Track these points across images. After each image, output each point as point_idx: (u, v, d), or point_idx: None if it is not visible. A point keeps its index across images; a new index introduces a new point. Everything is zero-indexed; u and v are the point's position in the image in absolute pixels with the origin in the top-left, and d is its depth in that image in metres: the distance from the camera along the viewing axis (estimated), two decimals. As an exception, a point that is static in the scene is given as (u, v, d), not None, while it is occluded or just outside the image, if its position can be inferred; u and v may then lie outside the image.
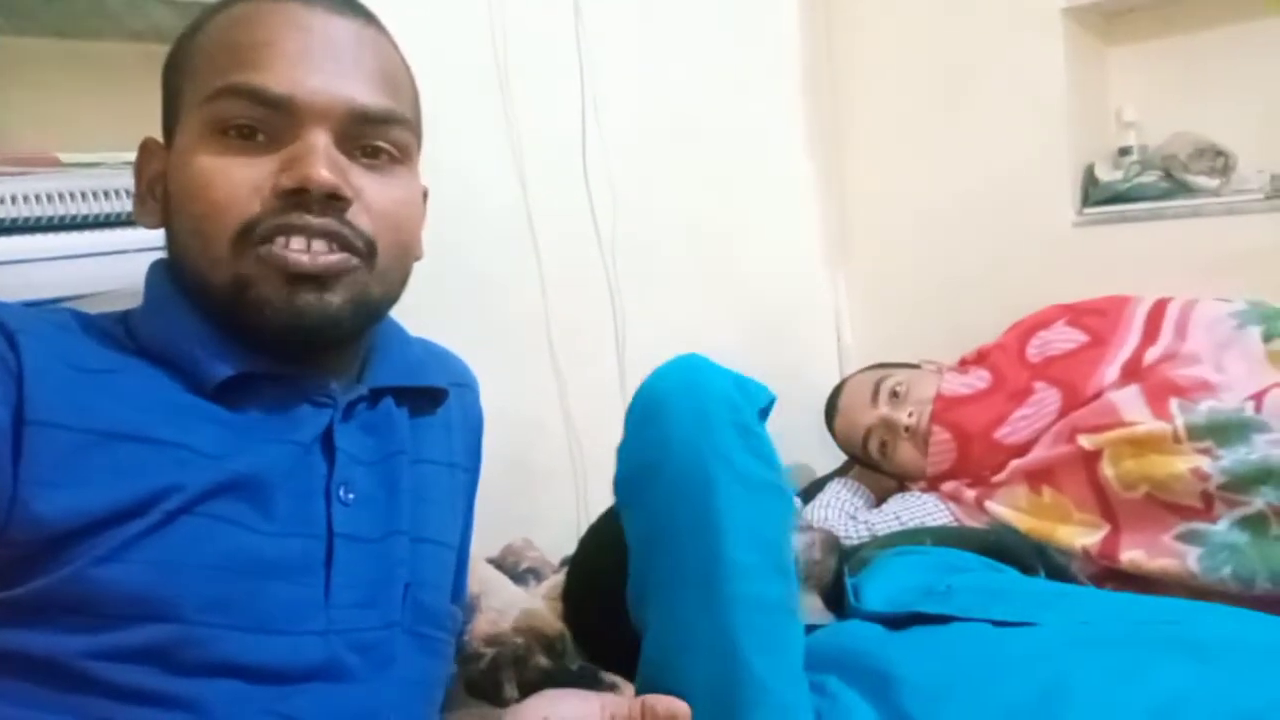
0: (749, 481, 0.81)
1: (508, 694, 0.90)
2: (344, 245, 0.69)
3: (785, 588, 0.81)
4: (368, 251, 0.70)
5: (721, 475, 0.80)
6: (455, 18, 1.35)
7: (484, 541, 1.12)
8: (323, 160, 0.67)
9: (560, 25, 1.48)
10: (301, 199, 0.67)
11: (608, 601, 0.98)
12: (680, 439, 0.83)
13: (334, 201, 0.68)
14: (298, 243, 0.67)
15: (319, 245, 0.68)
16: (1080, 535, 1.33)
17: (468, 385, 0.92)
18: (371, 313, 0.74)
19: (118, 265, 0.93)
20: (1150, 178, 1.71)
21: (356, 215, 0.69)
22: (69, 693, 0.59)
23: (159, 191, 0.73)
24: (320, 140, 0.67)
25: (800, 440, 1.83)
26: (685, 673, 0.79)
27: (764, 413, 0.94)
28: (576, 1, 1.48)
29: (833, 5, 2.02)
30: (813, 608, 0.98)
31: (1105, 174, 1.75)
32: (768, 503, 0.82)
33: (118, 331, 0.71)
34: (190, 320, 0.70)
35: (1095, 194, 1.76)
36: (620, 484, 0.89)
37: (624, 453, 0.88)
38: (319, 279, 0.68)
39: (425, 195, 0.80)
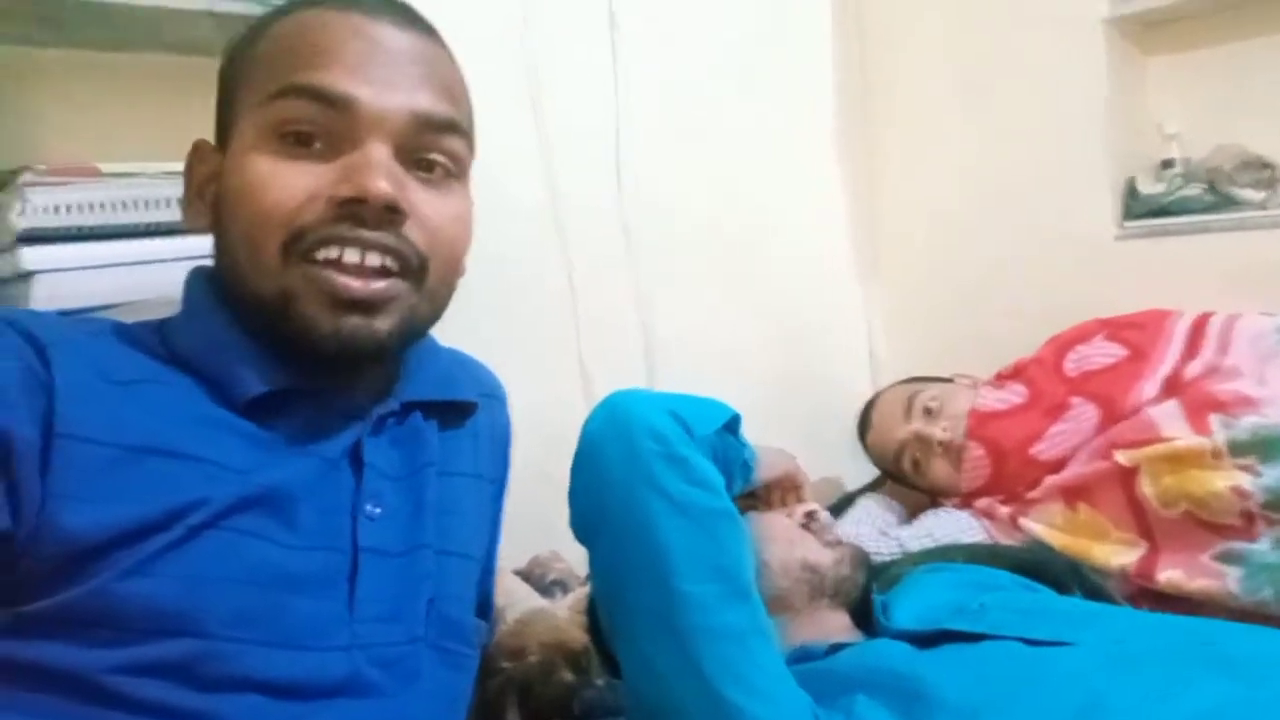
0: (689, 511, 0.81)
1: (511, 718, 0.90)
2: (397, 258, 0.68)
3: (746, 611, 0.80)
4: (419, 268, 0.70)
5: (659, 510, 0.81)
6: (488, 21, 1.36)
7: (511, 553, 1.12)
8: (382, 172, 0.66)
9: (594, 30, 1.48)
10: (357, 210, 0.66)
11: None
12: (613, 481, 0.84)
13: (390, 214, 0.67)
14: (351, 254, 0.67)
15: (372, 259, 0.67)
16: (1117, 554, 1.31)
17: (496, 396, 0.92)
18: (417, 333, 0.75)
19: (157, 274, 0.94)
20: (1194, 190, 1.68)
21: (411, 230, 0.69)
22: (91, 707, 0.59)
23: (209, 195, 0.73)
24: (380, 152, 0.67)
25: (831, 453, 1.81)
26: (666, 706, 0.79)
27: (730, 428, 0.94)
28: (611, 10, 1.48)
29: (865, 13, 2.00)
30: (840, 625, 0.97)
31: (1147, 187, 1.72)
32: (712, 529, 0.82)
33: (152, 340, 0.71)
34: (227, 332, 0.70)
35: (1136, 207, 1.73)
36: (573, 530, 0.90)
37: (570, 500, 0.90)
38: (367, 304, 0.67)
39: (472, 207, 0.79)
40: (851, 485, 1.83)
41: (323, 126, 0.67)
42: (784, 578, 0.96)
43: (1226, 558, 1.22)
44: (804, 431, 1.79)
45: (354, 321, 0.67)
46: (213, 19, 1.03)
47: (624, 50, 1.49)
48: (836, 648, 0.90)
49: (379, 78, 0.68)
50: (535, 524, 1.26)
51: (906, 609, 0.97)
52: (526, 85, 1.36)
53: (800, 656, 0.89)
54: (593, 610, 1.04)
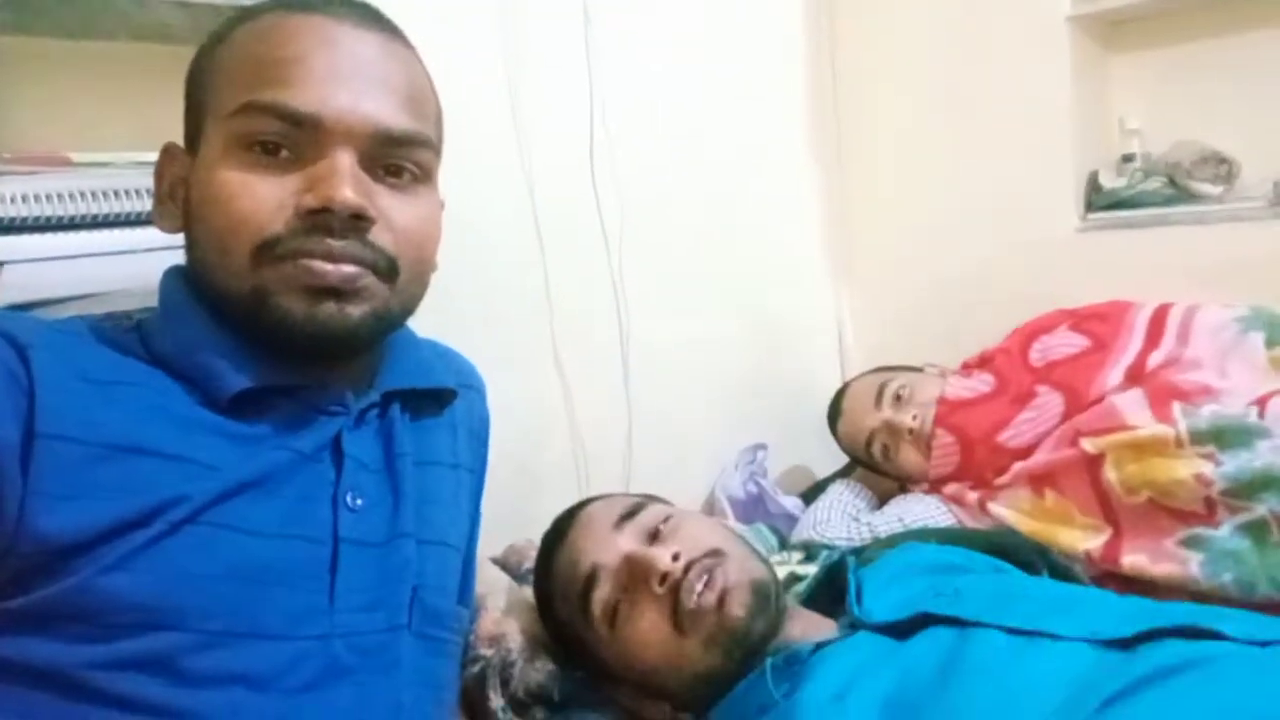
0: None
1: (494, 703, 0.90)
2: (366, 266, 0.69)
3: None
4: (389, 271, 0.71)
5: None
6: (465, 23, 1.36)
7: (488, 542, 1.12)
8: (348, 181, 0.67)
9: (569, 32, 1.48)
10: (325, 219, 0.67)
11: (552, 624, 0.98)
12: None
13: (357, 222, 0.68)
14: (321, 265, 0.67)
15: (342, 268, 0.68)
16: (1082, 539, 1.33)
17: (474, 387, 0.93)
18: (390, 326, 0.75)
19: (128, 265, 0.93)
20: (1154, 185, 1.71)
21: (379, 234, 0.70)
22: (72, 703, 0.59)
23: (179, 196, 0.73)
24: (345, 160, 0.68)
25: (802, 442, 1.84)
26: None
27: None
28: (586, 9, 1.48)
29: (837, 13, 2.02)
30: (801, 631, 0.94)
31: (1109, 181, 1.76)
32: None
33: (130, 340, 0.71)
34: (206, 331, 0.70)
35: (1098, 200, 1.76)
36: None
37: None
38: (340, 292, 0.68)
39: (441, 207, 0.80)
40: (822, 473, 1.85)
41: (288, 138, 0.68)
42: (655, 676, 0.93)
43: (1189, 543, 1.25)
44: (776, 421, 1.82)
45: (328, 308, 0.68)
46: (183, 8, 1.02)
47: (598, 48, 1.49)
48: (820, 646, 0.88)
49: (344, 89, 0.68)
50: (512, 514, 1.26)
51: (882, 597, 0.97)
52: (504, 83, 1.36)
53: (788, 660, 0.88)
54: (542, 603, 1.02)
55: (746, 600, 0.90)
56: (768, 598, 0.92)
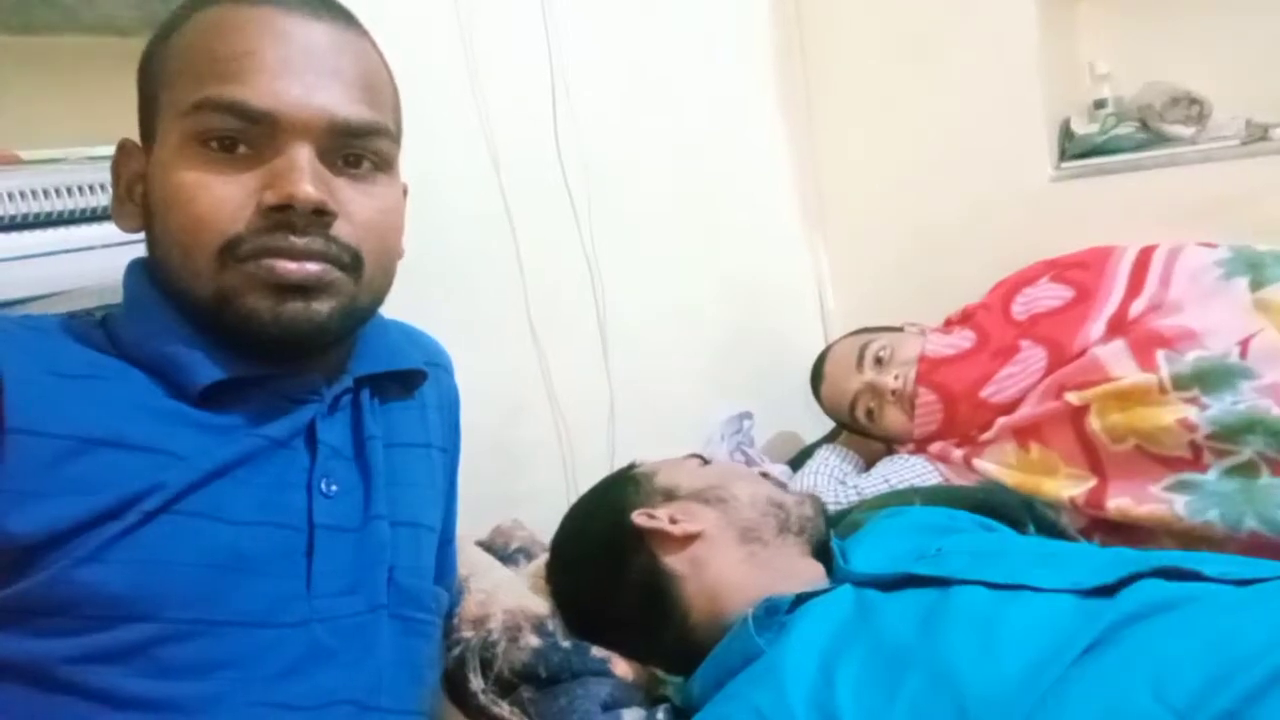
0: None
1: (473, 685, 0.90)
2: (330, 261, 0.69)
3: None
4: (354, 264, 0.71)
5: None
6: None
7: (473, 524, 1.12)
8: (307, 176, 0.67)
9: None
10: (287, 216, 0.66)
11: (590, 577, 0.98)
12: None
13: (319, 217, 0.68)
14: (285, 264, 0.67)
15: (307, 266, 0.68)
16: (1067, 487, 1.33)
17: (442, 365, 0.93)
18: (359, 319, 0.75)
19: (85, 262, 0.92)
20: (1126, 129, 1.71)
21: (340, 228, 0.69)
22: (49, 696, 0.59)
23: (138, 194, 0.73)
24: (303, 155, 0.67)
25: (787, 407, 1.83)
26: None
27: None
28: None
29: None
30: (813, 572, 0.96)
31: (1081, 128, 1.75)
32: None
33: (97, 336, 0.71)
34: (173, 325, 0.70)
35: (1072, 148, 1.76)
36: None
37: None
38: (305, 289, 0.68)
39: (405, 192, 0.80)
40: (808, 438, 1.85)
41: (245, 135, 0.67)
42: (753, 509, 0.98)
43: (1176, 489, 1.25)
44: (759, 387, 1.81)
45: (294, 306, 0.68)
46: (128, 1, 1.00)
47: (555, 9, 1.46)
48: (802, 599, 0.90)
49: (298, 82, 0.68)
50: (494, 493, 1.26)
51: (867, 556, 0.97)
52: (461, 50, 1.34)
53: (768, 610, 0.89)
54: (551, 575, 1.03)
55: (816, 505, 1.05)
56: (825, 511, 1.05)
